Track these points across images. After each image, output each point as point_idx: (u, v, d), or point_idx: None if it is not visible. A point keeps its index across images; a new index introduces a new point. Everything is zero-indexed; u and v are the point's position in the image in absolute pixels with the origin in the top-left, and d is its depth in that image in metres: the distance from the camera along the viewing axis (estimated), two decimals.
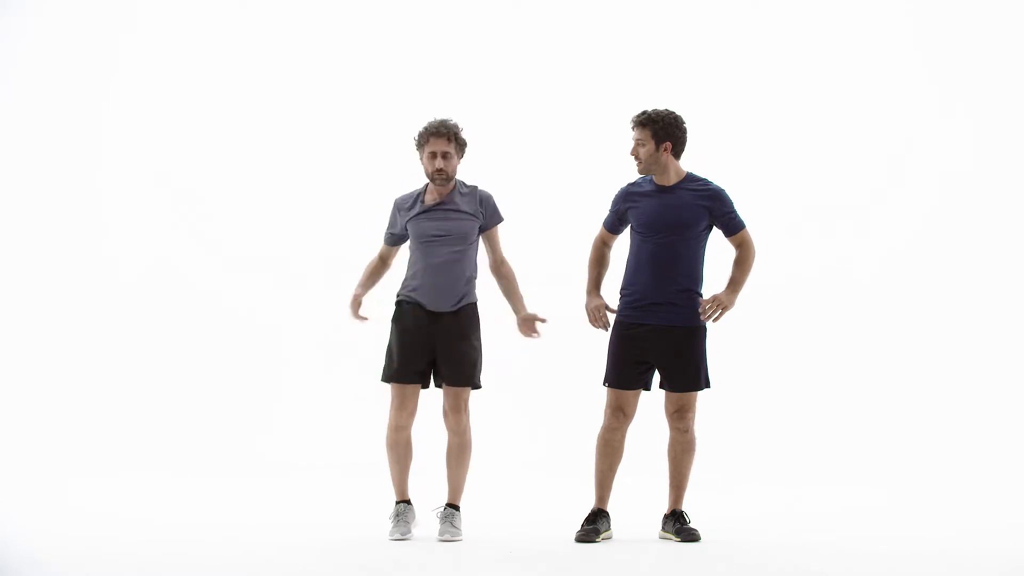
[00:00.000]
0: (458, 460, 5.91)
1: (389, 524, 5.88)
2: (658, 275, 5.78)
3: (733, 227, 5.85)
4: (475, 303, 5.94)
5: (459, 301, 5.87)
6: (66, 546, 5.56)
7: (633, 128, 5.84)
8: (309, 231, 9.26)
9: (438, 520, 5.87)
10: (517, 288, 6.04)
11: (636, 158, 5.85)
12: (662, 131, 5.79)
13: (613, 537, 5.85)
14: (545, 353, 8.78)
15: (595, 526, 5.81)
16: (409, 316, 5.87)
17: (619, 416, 5.85)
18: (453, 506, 5.89)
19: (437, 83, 9.12)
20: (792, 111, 9.11)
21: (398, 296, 5.95)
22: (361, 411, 8.02)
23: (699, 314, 5.80)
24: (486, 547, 5.64)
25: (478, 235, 5.96)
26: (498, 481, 7.60)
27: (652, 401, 6.05)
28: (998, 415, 8.60)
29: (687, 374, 5.83)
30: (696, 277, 5.83)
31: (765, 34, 9.16)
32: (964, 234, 8.98)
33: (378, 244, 6.17)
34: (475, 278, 5.96)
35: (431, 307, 5.85)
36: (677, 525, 5.86)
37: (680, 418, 5.87)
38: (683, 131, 5.84)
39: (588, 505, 5.93)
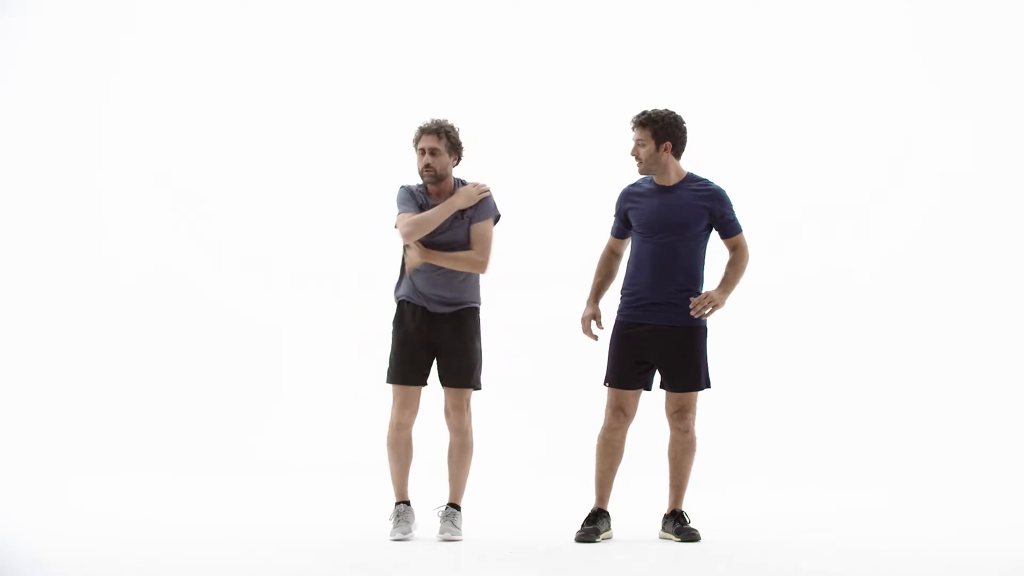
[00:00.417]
0: (459, 460, 5.91)
1: (389, 524, 5.88)
2: (658, 275, 5.77)
3: (730, 230, 5.84)
4: (477, 307, 5.92)
5: (459, 303, 5.87)
6: (66, 546, 5.56)
7: (633, 128, 5.84)
8: (309, 231, 9.26)
9: (439, 519, 5.87)
10: (455, 257, 5.83)
11: (636, 158, 5.85)
12: (662, 131, 5.79)
13: (613, 537, 5.85)
14: (546, 353, 8.82)
15: (595, 526, 5.81)
16: (410, 317, 5.87)
17: (619, 416, 5.85)
18: (454, 506, 5.89)
19: (438, 84, 9.13)
20: (792, 111, 9.11)
21: (398, 297, 5.94)
22: (361, 411, 8.02)
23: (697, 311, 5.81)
24: (486, 547, 5.63)
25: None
26: (498, 481, 7.60)
27: (653, 401, 6.05)
28: (998, 415, 8.60)
29: (687, 374, 5.83)
30: (696, 277, 5.83)
31: (765, 34, 9.16)
32: (964, 234, 8.98)
33: (379, 244, 6.15)
34: (476, 278, 5.93)
35: (431, 309, 5.84)
36: (677, 525, 5.86)
37: (680, 418, 5.86)
38: (683, 131, 5.83)
39: (588, 505, 5.92)
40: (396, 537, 5.77)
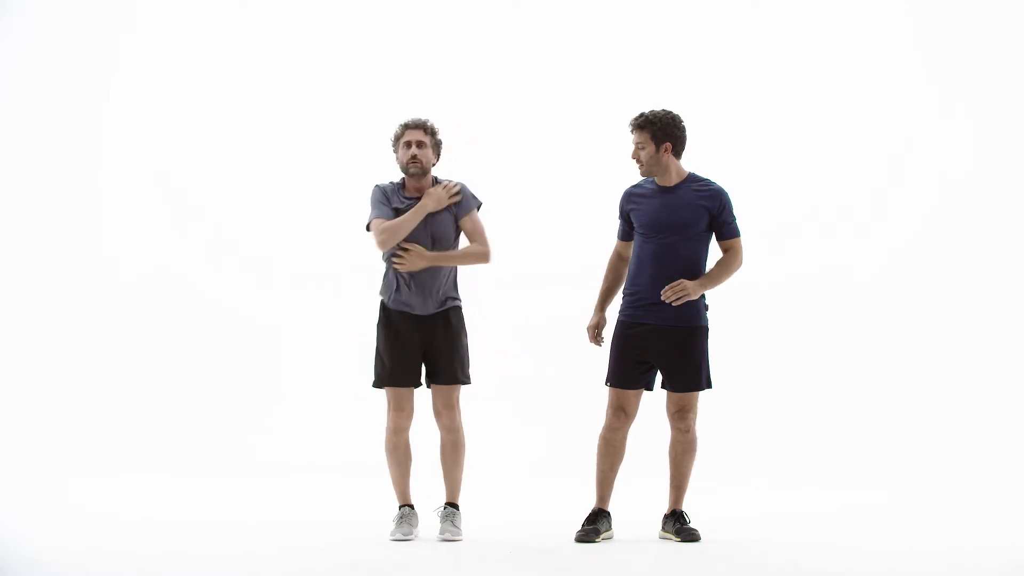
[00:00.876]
0: (453, 458, 5.91)
1: (391, 525, 5.88)
2: (660, 275, 5.77)
3: (726, 232, 5.84)
4: (459, 306, 5.92)
5: (444, 303, 5.86)
6: (66, 546, 5.57)
7: (632, 132, 5.83)
8: (309, 231, 9.26)
9: (439, 520, 5.87)
10: (462, 254, 5.86)
11: (638, 161, 5.84)
12: (660, 132, 5.78)
13: (613, 537, 5.85)
14: (546, 353, 8.83)
15: (595, 526, 5.81)
16: (397, 319, 5.85)
17: (620, 416, 5.85)
18: (453, 505, 5.89)
19: (439, 84, 9.13)
20: (792, 111, 9.11)
21: (382, 299, 5.92)
22: (361, 411, 8.02)
23: (697, 312, 5.81)
24: (486, 547, 5.64)
25: (456, 230, 5.93)
26: (498, 481, 7.60)
27: (653, 401, 6.05)
28: (998, 415, 8.60)
29: (688, 374, 5.83)
30: (697, 277, 5.82)
31: (765, 34, 9.16)
32: (964, 235, 8.98)
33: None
34: (456, 276, 5.93)
35: (418, 311, 5.84)
36: (677, 525, 5.86)
37: (681, 418, 5.86)
38: (682, 130, 5.83)
39: (588, 505, 5.92)
40: (396, 537, 5.77)
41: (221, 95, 9.31)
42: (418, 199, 5.84)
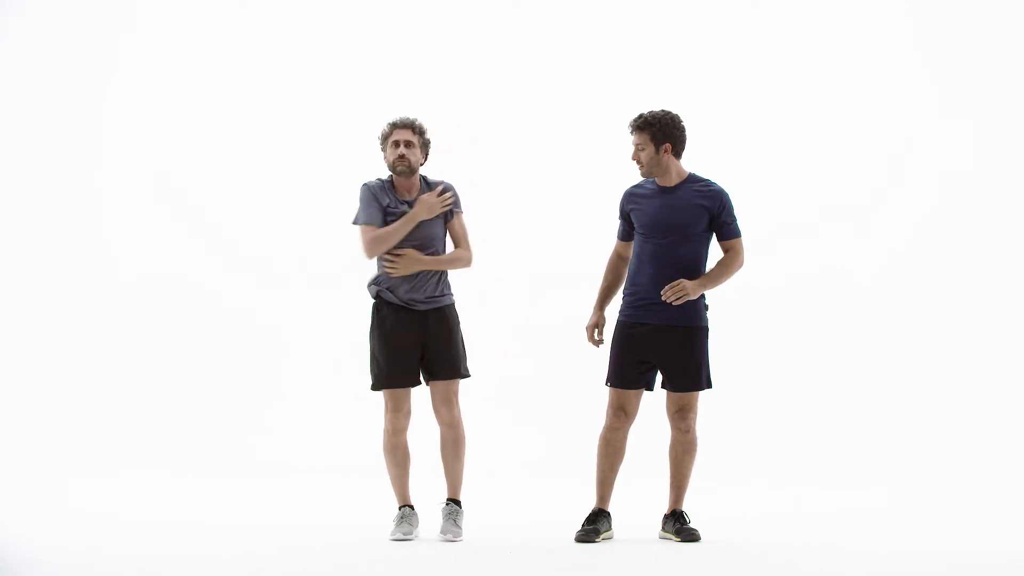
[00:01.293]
0: (454, 453, 5.90)
1: (391, 525, 5.88)
2: (659, 275, 5.77)
3: (726, 233, 5.84)
4: (452, 302, 5.93)
5: (437, 300, 5.86)
6: (66, 546, 5.57)
7: (632, 133, 5.83)
8: (309, 231, 9.26)
9: (441, 516, 5.87)
10: (450, 259, 5.88)
11: (638, 162, 5.84)
12: (660, 133, 5.78)
13: (613, 537, 5.85)
14: (546, 353, 8.82)
15: (595, 526, 5.81)
16: (391, 319, 5.85)
17: (621, 416, 5.85)
18: (455, 501, 5.88)
19: (439, 84, 9.13)
20: (792, 111, 9.11)
21: (374, 300, 5.92)
22: (361, 411, 8.01)
23: (697, 312, 5.81)
24: (486, 547, 5.64)
25: (444, 231, 5.94)
26: (498, 481, 7.60)
27: (654, 401, 6.05)
28: (998, 415, 8.60)
29: (687, 374, 5.83)
30: (698, 277, 5.82)
31: (765, 34, 9.16)
32: (964, 234, 8.98)
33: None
34: (447, 276, 5.94)
35: (416, 308, 5.83)
36: (677, 525, 5.86)
37: (681, 418, 5.86)
38: (681, 130, 5.83)
39: (588, 505, 5.92)
40: (396, 537, 5.77)
41: (221, 95, 9.31)
42: (408, 201, 5.84)
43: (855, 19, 9.09)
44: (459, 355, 5.89)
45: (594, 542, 5.75)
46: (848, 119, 9.09)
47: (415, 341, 5.84)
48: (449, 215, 5.89)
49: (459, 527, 5.82)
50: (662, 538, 5.90)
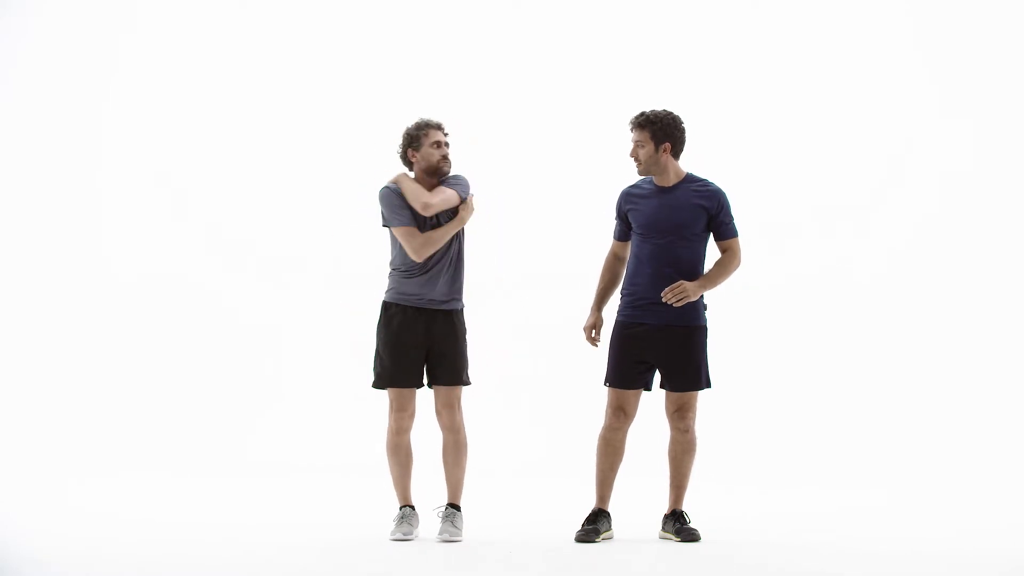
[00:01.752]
0: (455, 458, 5.91)
1: (391, 525, 5.88)
2: (658, 275, 5.77)
3: (724, 232, 5.84)
4: (461, 309, 5.93)
5: (447, 303, 5.87)
6: (66, 546, 5.57)
7: (632, 130, 5.84)
8: (309, 231, 9.26)
9: (439, 520, 5.87)
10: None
11: (636, 160, 5.85)
12: (661, 132, 5.79)
13: (613, 537, 5.85)
14: (546, 354, 8.82)
15: (595, 526, 5.81)
16: (398, 318, 5.86)
17: (620, 416, 5.85)
18: (454, 506, 5.89)
19: (438, 84, 9.13)
20: (792, 111, 9.11)
21: (386, 297, 5.92)
22: (361, 411, 8.02)
23: (696, 312, 5.81)
24: (486, 547, 5.64)
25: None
26: (498, 481, 7.60)
27: (653, 401, 6.05)
28: (998, 415, 8.60)
29: (687, 374, 5.83)
30: (696, 277, 5.82)
31: (765, 34, 9.16)
32: (964, 234, 8.98)
33: (379, 244, 6.15)
34: (461, 279, 5.94)
35: (434, 307, 5.83)
36: (677, 525, 5.86)
37: (681, 418, 5.86)
38: (682, 131, 5.84)
39: (588, 505, 5.92)
40: (396, 537, 5.77)
41: (221, 95, 9.31)
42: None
43: (855, 19, 9.09)
44: (464, 362, 5.89)
45: (594, 542, 5.75)
46: (848, 119, 9.09)
47: (420, 342, 5.84)
48: (450, 184, 5.90)
49: (458, 528, 5.82)
50: (662, 538, 5.90)
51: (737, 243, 5.86)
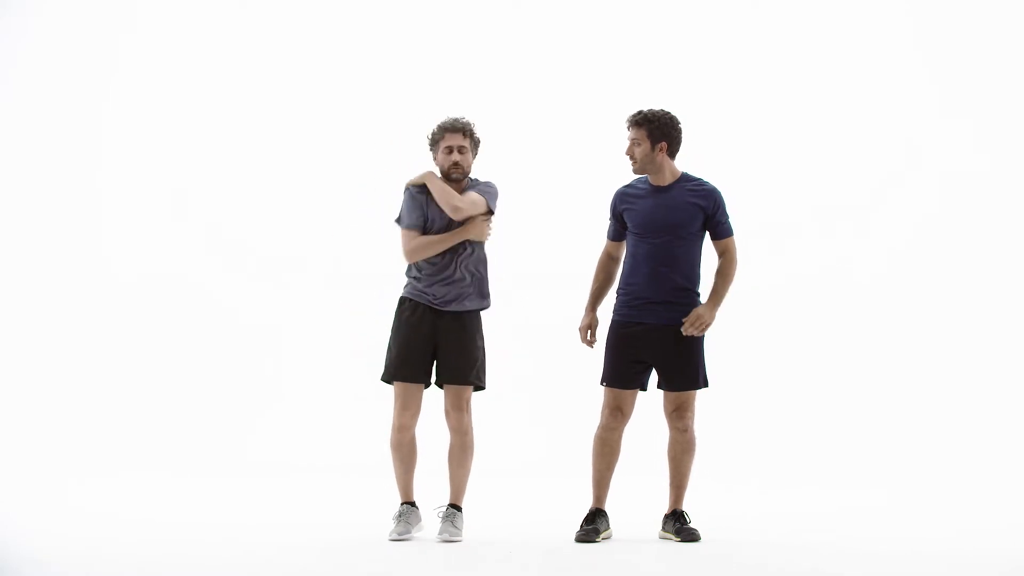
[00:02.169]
0: (460, 460, 5.90)
1: (392, 523, 5.88)
2: (655, 274, 5.77)
3: (720, 232, 5.84)
4: (476, 311, 5.91)
5: (460, 303, 5.86)
6: (66, 546, 5.56)
7: (629, 128, 5.84)
8: (309, 231, 9.26)
9: (439, 520, 5.87)
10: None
11: (631, 158, 5.85)
12: (658, 131, 5.79)
13: (613, 537, 5.85)
14: (546, 353, 8.82)
15: (594, 526, 5.81)
16: (412, 314, 5.86)
17: (616, 415, 5.85)
18: (455, 506, 5.88)
19: (437, 84, 9.13)
20: (792, 112, 9.12)
21: (402, 293, 5.92)
22: (362, 411, 8.02)
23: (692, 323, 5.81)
24: (486, 547, 5.64)
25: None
26: (498, 481, 7.60)
27: (652, 401, 6.05)
28: (998, 415, 8.60)
29: (684, 373, 5.83)
30: (693, 276, 5.83)
31: (765, 34, 9.16)
32: (964, 234, 8.98)
33: (379, 244, 6.15)
34: (487, 286, 5.92)
35: (438, 306, 5.83)
36: (677, 525, 5.86)
37: (679, 417, 5.86)
38: (679, 131, 5.84)
39: (588, 505, 5.92)
40: (395, 536, 5.76)
41: (221, 95, 9.31)
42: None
43: (855, 19, 9.09)
44: (471, 362, 5.85)
45: (594, 542, 5.74)
46: (848, 119, 9.09)
47: (427, 339, 5.83)
48: (478, 191, 5.88)
49: (458, 528, 5.82)
50: (662, 538, 5.90)
51: (732, 243, 5.86)
